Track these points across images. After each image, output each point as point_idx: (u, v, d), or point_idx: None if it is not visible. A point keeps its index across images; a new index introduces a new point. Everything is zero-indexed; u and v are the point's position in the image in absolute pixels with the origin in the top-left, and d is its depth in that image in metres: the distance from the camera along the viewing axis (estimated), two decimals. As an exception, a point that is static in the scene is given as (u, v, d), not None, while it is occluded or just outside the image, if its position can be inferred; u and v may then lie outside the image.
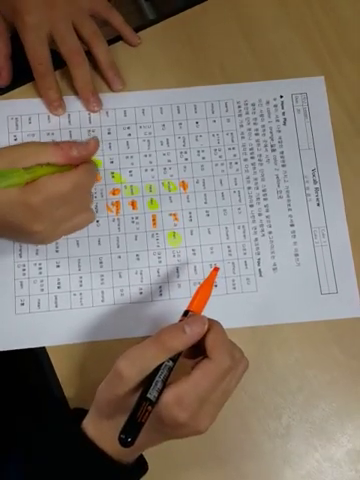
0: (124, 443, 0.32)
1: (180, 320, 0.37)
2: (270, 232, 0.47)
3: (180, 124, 0.49)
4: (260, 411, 0.45)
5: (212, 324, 0.36)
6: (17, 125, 0.48)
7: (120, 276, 0.46)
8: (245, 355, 0.38)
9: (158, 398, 0.33)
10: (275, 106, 0.50)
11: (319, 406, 0.45)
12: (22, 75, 0.50)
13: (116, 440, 0.32)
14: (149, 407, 0.33)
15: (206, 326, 0.35)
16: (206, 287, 0.39)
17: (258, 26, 0.52)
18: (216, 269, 0.40)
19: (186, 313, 0.37)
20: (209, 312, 0.45)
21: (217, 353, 0.34)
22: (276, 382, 0.45)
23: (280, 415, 0.45)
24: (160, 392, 0.33)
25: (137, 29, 0.52)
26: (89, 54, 0.49)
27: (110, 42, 0.51)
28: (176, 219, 0.47)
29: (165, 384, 0.34)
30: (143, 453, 0.39)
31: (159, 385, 0.33)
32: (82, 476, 0.36)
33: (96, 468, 0.36)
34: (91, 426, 0.37)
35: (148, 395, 0.33)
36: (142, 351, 0.34)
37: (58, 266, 0.46)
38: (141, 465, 0.39)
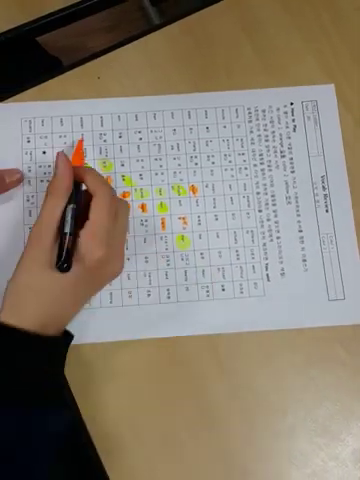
0: (62, 269, 0.38)
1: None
2: (278, 237, 0.48)
3: (191, 129, 0.50)
4: (266, 411, 0.45)
5: (87, 170, 0.41)
6: (30, 127, 0.49)
7: (128, 278, 0.47)
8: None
9: (74, 233, 0.39)
10: (285, 113, 0.50)
11: (324, 405, 0.45)
12: (34, 77, 0.51)
13: (38, 317, 0.38)
14: (70, 237, 0.39)
15: (64, 156, 0.40)
16: (77, 155, 0.46)
17: (264, 32, 0.53)
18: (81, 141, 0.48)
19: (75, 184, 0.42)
20: (217, 315, 0.46)
21: (99, 188, 0.40)
22: (281, 382, 0.45)
23: (285, 415, 0.45)
24: (73, 227, 0.39)
25: (143, 33, 0.53)
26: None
27: (119, 45, 0.52)
28: (185, 223, 0.48)
29: (76, 222, 0.40)
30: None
31: (71, 223, 0.39)
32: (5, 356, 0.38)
33: (16, 343, 0.38)
34: (9, 313, 0.38)
35: (65, 230, 0.39)
36: (43, 211, 0.39)
37: (68, 267, 0.47)
38: (66, 335, 0.42)
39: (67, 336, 0.42)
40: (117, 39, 0.53)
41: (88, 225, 0.39)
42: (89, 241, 0.38)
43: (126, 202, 0.44)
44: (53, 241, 0.39)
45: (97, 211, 0.39)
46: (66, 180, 0.40)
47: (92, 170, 0.42)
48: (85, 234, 0.39)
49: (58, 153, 0.41)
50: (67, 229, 0.39)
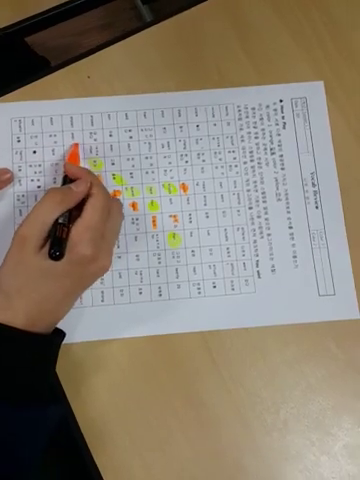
0: (55, 257, 0.38)
1: (62, 184, 0.44)
2: (269, 234, 0.48)
3: (181, 127, 0.50)
4: (257, 406, 0.45)
5: (84, 170, 0.43)
6: (20, 127, 0.49)
7: (120, 276, 0.47)
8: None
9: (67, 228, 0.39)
10: (275, 110, 0.50)
11: (316, 401, 0.45)
12: (24, 75, 0.51)
13: (29, 314, 0.38)
14: (64, 228, 0.39)
15: (89, 184, 0.41)
16: (72, 156, 0.47)
17: (254, 30, 0.53)
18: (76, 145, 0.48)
19: (65, 178, 0.44)
20: (209, 312, 0.46)
21: (96, 189, 0.41)
22: (273, 377, 0.46)
23: (277, 410, 0.45)
24: (67, 221, 0.39)
25: (133, 32, 0.53)
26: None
27: (108, 44, 0.52)
28: (176, 220, 0.48)
29: (70, 217, 0.40)
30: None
31: (65, 216, 0.40)
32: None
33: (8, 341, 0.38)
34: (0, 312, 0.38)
35: (60, 221, 0.39)
36: (37, 211, 0.39)
37: (59, 266, 0.47)
38: (57, 333, 0.42)
39: (58, 334, 0.42)
40: (108, 36, 0.53)
41: (79, 223, 0.39)
42: (78, 238, 0.39)
43: (120, 203, 0.45)
44: (44, 237, 0.39)
45: (90, 211, 0.40)
46: (78, 198, 0.41)
47: (88, 170, 0.44)
48: (75, 231, 0.39)
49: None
50: (61, 220, 0.39)
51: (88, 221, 0.40)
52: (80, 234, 0.39)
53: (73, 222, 0.40)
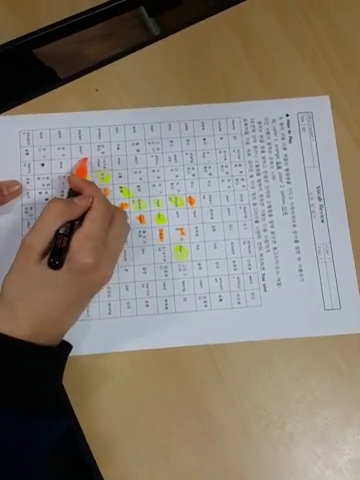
0: (54, 266, 0.39)
1: (66, 197, 0.46)
2: (275, 248, 0.48)
3: (188, 141, 0.50)
4: (263, 420, 0.45)
5: (85, 182, 0.44)
6: (28, 140, 0.50)
7: (127, 289, 0.47)
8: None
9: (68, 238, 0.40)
10: (281, 124, 0.51)
11: (322, 414, 0.46)
12: (33, 88, 0.52)
13: (32, 325, 0.38)
14: (64, 237, 0.40)
15: (91, 199, 0.42)
16: (80, 170, 0.48)
17: (261, 44, 0.53)
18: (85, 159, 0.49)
19: (70, 191, 0.45)
20: (215, 325, 0.46)
21: (96, 201, 0.42)
22: (279, 391, 0.46)
23: (283, 423, 0.45)
24: (69, 231, 0.40)
25: (141, 45, 0.53)
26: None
27: (116, 57, 0.53)
28: (183, 233, 0.48)
29: (72, 228, 0.41)
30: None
31: (67, 226, 0.41)
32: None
33: (14, 353, 0.38)
34: (2, 322, 0.39)
35: (60, 231, 0.40)
36: (41, 221, 0.40)
37: (66, 278, 0.47)
38: (64, 346, 0.43)
39: (65, 346, 0.42)
40: (114, 46, 0.54)
41: (79, 232, 0.40)
42: (79, 247, 0.39)
43: (124, 213, 0.45)
44: (47, 246, 0.40)
45: (90, 220, 0.41)
46: (80, 212, 0.42)
47: (90, 182, 0.45)
48: (76, 240, 0.40)
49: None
50: (62, 231, 0.40)
51: (88, 230, 0.40)
52: (80, 243, 0.40)
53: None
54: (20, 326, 0.38)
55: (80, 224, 0.41)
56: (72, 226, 0.41)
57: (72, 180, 0.45)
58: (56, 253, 0.39)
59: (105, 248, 0.41)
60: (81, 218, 0.42)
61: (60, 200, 0.42)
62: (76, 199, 0.42)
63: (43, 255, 0.40)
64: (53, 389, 0.41)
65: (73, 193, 0.44)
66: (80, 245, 0.40)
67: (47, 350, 0.40)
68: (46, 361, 0.39)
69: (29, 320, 0.39)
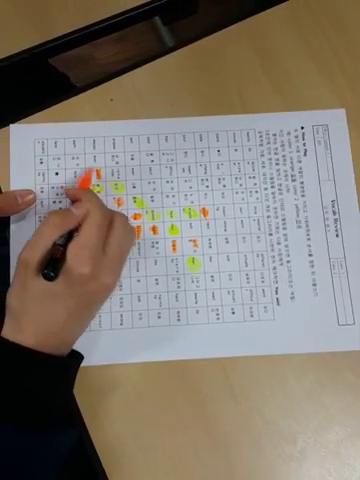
0: (48, 277, 0.39)
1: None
2: (288, 261, 0.48)
3: (202, 152, 0.50)
4: (275, 435, 0.45)
5: (84, 190, 0.44)
6: (43, 149, 0.50)
7: (139, 300, 0.47)
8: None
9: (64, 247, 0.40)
10: (296, 137, 0.51)
11: (334, 430, 0.45)
12: (48, 97, 0.52)
13: (37, 336, 0.38)
14: (60, 248, 0.40)
15: (88, 206, 0.41)
16: (83, 181, 0.47)
17: (276, 56, 0.53)
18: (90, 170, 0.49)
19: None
20: (227, 338, 0.46)
21: (92, 207, 0.41)
22: (291, 406, 0.46)
23: (295, 439, 0.45)
24: (64, 245, 0.40)
25: (156, 56, 0.53)
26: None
27: (131, 67, 0.53)
28: (196, 245, 0.48)
29: (70, 237, 0.41)
30: None
31: (64, 236, 0.41)
32: (12, 373, 0.38)
33: (25, 362, 0.38)
34: (10, 333, 0.39)
35: (57, 242, 0.40)
36: (37, 235, 0.40)
37: (79, 288, 0.47)
38: (74, 356, 0.43)
39: (75, 357, 0.42)
40: (125, 50, 0.54)
41: (75, 241, 0.40)
42: (74, 257, 0.39)
43: (123, 217, 0.44)
44: (43, 261, 0.40)
45: (86, 228, 0.40)
46: (77, 222, 0.41)
47: (86, 190, 0.45)
48: (71, 250, 0.39)
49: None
50: (59, 241, 0.40)
51: (84, 239, 0.40)
52: (76, 252, 0.39)
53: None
54: (26, 336, 0.39)
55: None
56: (70, 236, 0.41)
57: (68, 191, 0.45)
58: (50, 264, 0.39)
59: (104, 256, 0.40)
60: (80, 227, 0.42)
61: (56, 213, 0.42)
62: (73, 208, 0.42)
63: (40, 268, 0.40)
64: (63, 399, 0.41)
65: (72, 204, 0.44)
66: (76, 254, 0.39)
67: (54, 358, 0.40)
68: (53, 369, 0.39)
69: (33, 331, 0.39)
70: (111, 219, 0.42)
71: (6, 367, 0.39)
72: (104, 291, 0.42)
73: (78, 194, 0.43)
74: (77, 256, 0.39)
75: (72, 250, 0.39)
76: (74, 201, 0.44)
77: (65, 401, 0.42)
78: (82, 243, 0.40)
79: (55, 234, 0.40)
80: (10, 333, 0.39)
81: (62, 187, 0.49)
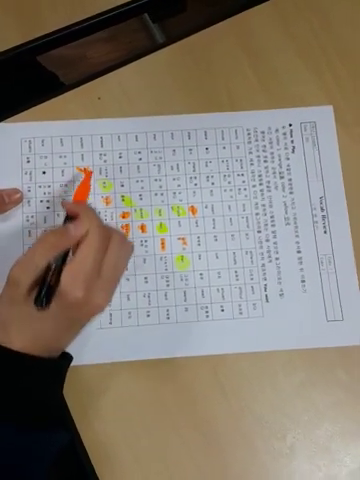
0: (40, 305, 0.37)
1: (64, 222, 0.41)
2: (277, 258, 0.48)
3: (190, 150, 0.50)
4: (265, 431, 0.45)
5: (83, 208, 0.41)
6: (30, 147, 0.49)
7: (128, 299, 0.47)
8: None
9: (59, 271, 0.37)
10: (284, 134, 0.51)
11: (323, 427, 0.45)
12: (35, 95, 0.51)
13: (24, 346, 0.37)
14: (54, 272, 0.37)
15: (87, 226, 0.39)
16: (82, 188, 0.45)
17: (264, 54, 0.53)
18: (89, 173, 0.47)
19: (67, 218, 0.41)
20: (217, 335, 0.46)
21: (91, 231, 0.39)
22: (281, 403, 0.46)
23: (285, 435, 0.45)
24: (59, 267, 0.38)
25: (145, 53, 0.53)
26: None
27: (119, 65, 0.53)
28: (185, 243, 0.48)
29: (64, 258, 0.39)
30: None
31: (57, 258, 0.38)
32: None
33: (15, 364, 0.38)
34: None
35: (53, 264, 0.38)
36: (31, 254, 0.38)
37: (67, 287, 0.47)
38: (63, 357, 0.42)
39: (64, 357, 0.42)
40: (116, 49, 0.53)
41: (70, 266, 0.38)
42: (68, 282, 0.37)
43: (121, 235, 0.41)
44: (36, 280, 0.38)
45: (83, 251, 0.38)
46: (74, 241, 0.39)
47: (88, 209, 0.41)
48: (66, 274, 0.37)
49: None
50: (54, 263, 0.38)
51: (79, 263, 0.38)
52: (71, 277, 0.37)
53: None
54: (13, 343, 0.38)
55: (74, 253, 0.39)
56: (65, 256, 0.39)
57: (67, 206, 0.42)
58: (43, 293, 0.37)
59: (99, 278, 0.38)
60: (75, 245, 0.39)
61: (52, 232, 0.39)
62: (71, 227, 0.39)
63: (31, 289, 0.38)
64: (53, 400, 0.41)
65: (69, 218, 0.41)
66: (71, 279, 0.37)
67: (43, 360, 0.39)
68: (42, 371, 0.39)
69: (20, 341, 0.38)
70: (109, 238, 0.40)
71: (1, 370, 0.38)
72: (96, 312, 0.40)
73: (77, 211, 0.40)
74: (72, 281, 0.37)
75: (67, 275, 0.37)
76: (71, 215, 0.41)
77: (58, 402, 0.42)
78: (78, 267, 0.38)
79: (50, 254, 0.38)
80: None
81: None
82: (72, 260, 0.38)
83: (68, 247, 0.39)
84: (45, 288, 0.37)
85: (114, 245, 0.40)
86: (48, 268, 0.38)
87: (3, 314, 0.39)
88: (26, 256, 0.38)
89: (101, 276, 0.39)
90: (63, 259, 0.38)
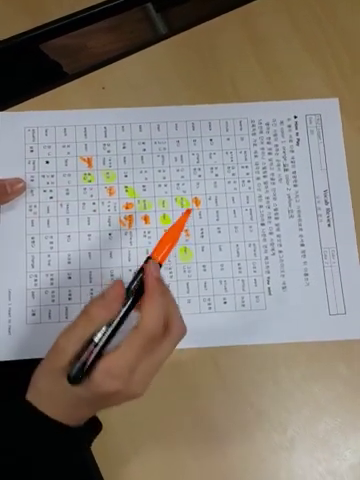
0: (71, 381, 0.34)
1: (142, 266, 0.37)
2: (280, 251, 0.48)
3: (194, 141, 0.50)
4: (265, 424, 0.45)
5: (155, 295, 0.36)
6: (34, 137, 0.49)
7: (130, 290, 0.47)
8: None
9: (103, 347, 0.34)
10: (289, 126, 0.50)
11: (323, 420, 0.45)
12: (39, 84, 0.51)
13: (57, 411, 0.36)
14: (94, 349, 0.34)
15: (123, 298, 0.35)
16: (173, 232, 0.38)
17: (270, 45, 0.53)
18: (188, 211, 0.45)
19: (147, 259, 0.37)
20: (219, 328, 0.46)
21: (144, 322, 0.35)
22: (282, 396, 0.46)
23: (285, 429, 0.45)
24: (103, 345, 0.34)
25: (149, 43, 0.53)
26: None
27: (123, 55, 0.52)
28: (188, 235, 0.48)
29: (105, 344, 0.35)
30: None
31: (105, 334, 0.34)
32: (29, 440, 0.37)
33: (42, 430, 0.37)
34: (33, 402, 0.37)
35: (95, 339, 0.34)
36: (74, 326, 0.35)
37: (70, 278, 0.46)
38: (93, 424, 0.41)
39: (93, 426, 0.41)
40: (119, 39, 0.53)
41: (110, 355, 0.34)
42: (102, 374, 0.34)
43: (181, 331, 0.37)
44: (76, 353, 0.35)
45: (130, 343, 0.35)
46: (110, 315, 0.35)
47: (160, 295, 0.36)
48: (103, 364, 0.34)
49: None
50: (97, 339, 0.35)
51: (119, 357, 0.34)
52: (105, 371, 0.34)
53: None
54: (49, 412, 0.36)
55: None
56: (113, 332, 0.35)
57: (149, 275, 0.36)
58: (76, 369, 0.34)
59: (138, 372, 0.35)
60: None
61: (95, 300, 0.36)
62: (137, 310, 0.35)
63: (74, 360, 0.35)
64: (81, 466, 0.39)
65: (140, 280, 0.36)
66: (105, 372, 0.34)
67: (71, 430, 0.37)
68: (69, 441, 0.38)
69: (50, 413, 0.36)
70: (164, 336, 0.36)
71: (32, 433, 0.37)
72: (133, 398, 0.37)
73: (148, 289, 0.36)
74: (106, 375, 0.34)
75: (103, 366, 0.34)
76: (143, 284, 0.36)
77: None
78: (116, 361, 0.34)
79: (93, 328, 0.35)
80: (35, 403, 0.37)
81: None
82: (116, 349, 0.35)
83: (107, 319, 0.35)
84: (80, 365, 0.34)
85: (169, 345, 0.36)
86: (88, 343, 0.35)
87: (39, 383, 0.37)
88: (73, 325, 0.35)
89: (143, 370, 0.35)
90: (109, 337, 0.35)
